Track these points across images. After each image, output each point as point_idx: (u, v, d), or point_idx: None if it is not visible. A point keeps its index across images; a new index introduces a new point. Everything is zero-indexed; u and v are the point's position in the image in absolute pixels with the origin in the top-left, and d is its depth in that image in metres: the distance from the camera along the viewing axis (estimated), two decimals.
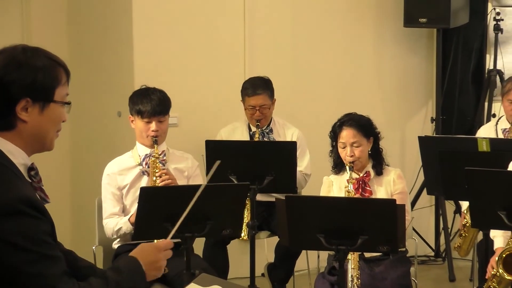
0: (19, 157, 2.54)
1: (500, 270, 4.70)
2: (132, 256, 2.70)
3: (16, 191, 2.44)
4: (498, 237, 4.93)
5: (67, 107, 2.63)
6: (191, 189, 4.84)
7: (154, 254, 2.73)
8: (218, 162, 3.06)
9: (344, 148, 5.04)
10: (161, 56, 6.48)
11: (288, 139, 6.05)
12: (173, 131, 5.48)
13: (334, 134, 5.11)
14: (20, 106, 2.51)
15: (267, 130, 6.08)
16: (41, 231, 2.44)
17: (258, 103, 5.99)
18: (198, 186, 5.00)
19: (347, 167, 5.01)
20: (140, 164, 5.16)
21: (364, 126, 5.06)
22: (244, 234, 5.38)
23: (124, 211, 5.14)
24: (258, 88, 6.01)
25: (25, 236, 2.40)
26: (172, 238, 4.83)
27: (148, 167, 5.10)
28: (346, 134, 5.03)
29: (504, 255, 4.71)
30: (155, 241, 4.06)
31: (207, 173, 5.48)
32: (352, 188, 4.95)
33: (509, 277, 4.67)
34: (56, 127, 2.62)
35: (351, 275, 4.69)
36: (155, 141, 5.10)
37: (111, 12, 6.64)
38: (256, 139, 5.99)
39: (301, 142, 5.84)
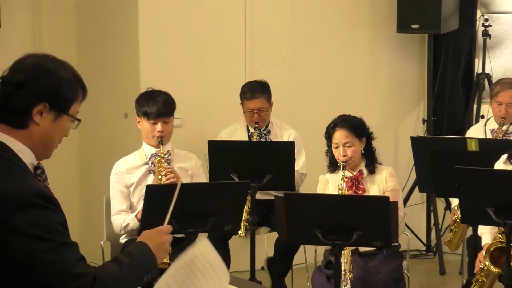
0: (27, 156, 2.54)
1: (487, 263, 4.70)
2: (140, 241, 2.70)
3: (28, 185, 2.45)
4: (485, 233, 4.93)
5: (76, 123, 2.64)
6: (194, 187, 4.87)
7: (159, 236, 2.74)
8: (179, 185, 3.08)
9: (337, 148, 5.03)
10: (165, 61, 6.47)
11: (285, 139, 6.04)
12: (177, 131, 5.48)
13: (328, 135, 5.10)
14: (37, 108, 2.52)
15: (265, 131, 6.06)
16: (54, 220, 2.44)
17: (256, 106, 5.97)
18: (201, 183, 5.07)
19: (341, 166, 5.00)
20: (147, 163, 5.15)
21: (356, 127, 5.05)
22: (241, 231, 5.37)
23: (131, 208, 5.14)
24: (256, 92, 6.00)
25: (40, 226, 2.40)
26: (176, 233, 4.88)
27: (154, 166, 5.10)
28: (339, 135, 5.03)
29: (491, 249, 4.71)
30: None
31: (209, 172, 5.48)
32: (345, 186, 4.94)
33: (495, 270, 4.67)
34: (60, 138, 2.63)
35: (344, 269, 4.68)
36: (161, 141, 5.10)
37: (117, 18, 6.63)
38: (255, 140, 5.99)
39: (298, 143, 5.83)
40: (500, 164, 4.97)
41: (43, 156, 2.61)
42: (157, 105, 5.09)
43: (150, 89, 5.24)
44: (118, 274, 2.53)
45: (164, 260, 4.67)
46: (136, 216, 5.00)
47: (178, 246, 4.90)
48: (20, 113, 2.52)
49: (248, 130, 6.08)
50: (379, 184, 5.05)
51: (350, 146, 5.01)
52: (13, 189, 2.42)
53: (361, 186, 5.02)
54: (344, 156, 4.99)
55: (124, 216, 5.08)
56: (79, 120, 2.64)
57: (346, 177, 4.97)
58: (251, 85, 6.08)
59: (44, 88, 2.53)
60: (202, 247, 2.67)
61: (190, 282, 2.60)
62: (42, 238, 2.40)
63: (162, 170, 5.03)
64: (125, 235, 5.13)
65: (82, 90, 2.64)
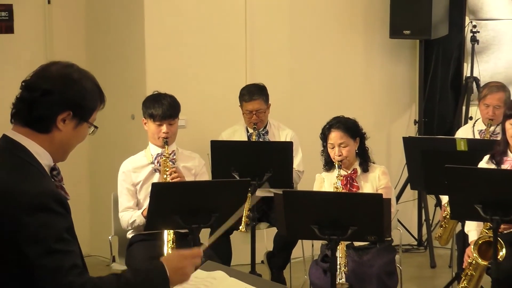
0: (44, 159, 2.54)
1: (475, 255, 4.71)
2: (159, 260, 2.61)
3: (44, 187, 2.45)
4: (472, 231, 4.94)
5: (93, 130, 2.65)
6: (197, 185, 4.88)
7: (179, 260, 2.62)
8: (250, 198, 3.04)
9: (332, 148, 5.03)
10: (170, 66, 6.48)
11: (282, 139, 6.05)
12: (181, 132, 5.48)
13: (324, 136, 5.10)
14: (61, 116, 2.53)
15: (263, 132, 6.07)
16: (62, 227, 2.43)
17: (255, 108, 5.98)
18: (204, 181, 5.06)
19: (336, 165, 5.01)
20: (152, 163, 5.15)
21: (350, 128, 5.05)
22: (242, 226, 5.38)
23: (138, 205, 5.13)
24: (254, 94, 6.00)
25: (48, 230, 2.39)
26: (180, 229, 4.87)
27: (160, 165, 5.10)
28: (334, 136, 5.03)
29: (480, 242, 4.72)
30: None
31: (212, 171, 5.49)
32: (340, 184, 4.95)
33: (483, 262, 4.67)
34: (77, 144, 2.64)
35: (339, 263, 4.69)
36: (166, 142, 5.10)
37: (125, 26, 6.64)
38: (254, 139, 6.00)
39: (295, 142, 5.83)
40: (483, 164, 4.99)
41: (60, 159, 2.61)
42: (163, 108, 5.09)
43: (156, 92, 5.24)
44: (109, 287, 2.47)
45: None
46: (142, 213, 5.01)
47: (183, 242, 4.94)
48: (45, 120, 2.52)
49: (247, 131, 6.08)
50: (373, 182, 5.06)
51: (345, 146, 5.01)
52: (28, 189, 2.42)
53: (355, 184, 5.03)
54: (340, 155, 4.99)
55: (131, 213, 5.09)
56: (96, 127, 2.65)
57: (341, 176, 4.97)
58: (249, 88, 6.09)
59: (70, 97, 2.53)
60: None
61: None
62: (44, 242, 2.39)
63: (167, 169, 5.03)
64: (131, 230, 5.13)
65: (101, 99, 2.65)
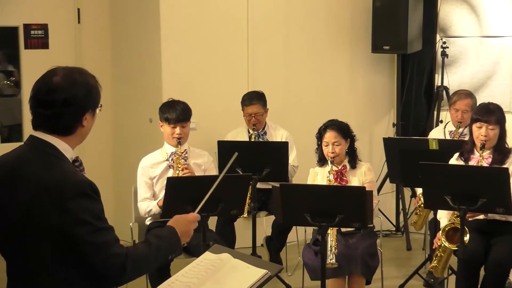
0: (69, 153, 2.53)
1: (443, 239, 4.70)
2: (170, 225, 2.68)
3: (80, 177, 2.46)
4: (443, 218, 4.93)
5: (100, 108, 2.61)
6: (206, 179, 4.86)
7: (186, 224, 2.72)
8: (236, 154, 3.06)
9: (327, 146, 5.02)
10: (183, 76, 6.46)
11: (279, 139, 6.05)
12: (193, 133, 5.47)
13: (320, 135, 5.10)
14: (85, 116, 2.52)
15: (262, 133, 6.07)
16: (99, 209, 2.45)
17: (254, 111, 5.98)
18: (212, 176, 5.05)
19: (329, 161, 5.00)
20: (167, 160, 5.14)
21: (343, 130, 5.05)
22: (245, 213, 5.38)
23: (154, 195, 5.13)
24: (253, 99, 6.01)
25: (89, 213, 2.41)
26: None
27: (173, 162, 5.10)
28: (329, 135, 5.02)
29: (447, 229, 4.71)
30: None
31: (219, 167, 5.48)
32: (332, 178, 4.95)
33: (450, 246, 4.67)
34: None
35: (330, 246, 4.68)
36: (179, 142, 5.09)
37: (144, 42, 6.62)
38: (253, 140, 5.99)
39: (289, 141, 5.84)
40: (453, 160, 4.99)
41: (78, 144, 2.59)
42: (176, 113, 5.08)
43: (170, 99, 5.24)
44: (147, 253, 2.53)
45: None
46: (158, 203, 5.00)
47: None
48: (73, 125, 2.51)
49: (249, 132, 6.08)
50: (359, 177, 5.05)
51: (338, 144, 5.00)
52: (66, 180, 2.41)
53: (344, 178, 5.02)
54: (333, 152, 4.99)
55: (148, 203, 5.08)
56: (101, 105, 2.62)
57: (333, 171, 4.97)
58: (249, 94, 6.10)
59: (86, 99, 2.52)
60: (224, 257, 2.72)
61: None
62: (89, 223, 2.41)
63: (180, 166, 5.03)
64: (149, 218, 5.13)
65: (100, 86, 2.61)
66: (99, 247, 2.41)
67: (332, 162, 4.98)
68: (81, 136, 2.56)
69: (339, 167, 5.03)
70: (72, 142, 2.53)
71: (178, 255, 2.69)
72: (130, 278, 2.49)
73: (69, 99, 2.47)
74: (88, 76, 2.56)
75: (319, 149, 5.11)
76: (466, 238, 4.52)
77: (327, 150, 5.01)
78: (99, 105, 2.59)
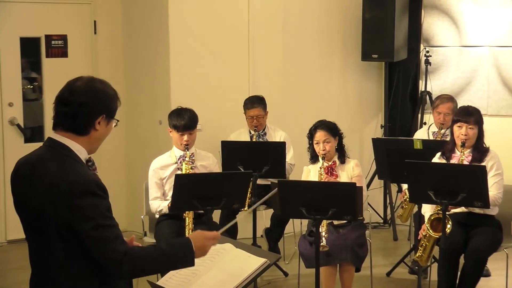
0: (82, 154, 2.53)
1: (427, 226, 4.69)
2: (188, 237, 2.61)
3: (89, 176, 2.45)
4: (427, 212, 4.92)
5: (116, 123, 2.61)
6: (211, 176, 4.85)
7: (202, 240, 2.59)
8: (275, 191, 3.00)
9: (317, 144, 5.01)
10: (189, 83, 6.46)
11: (277, 139, 6.04)
12: (198, 134, 5.44)
13: (311, 135, 5.08)
14: (98, 119, 2.52)
15: (262, 133, 6.06)
16: (105, 207, 2.44)
17: (255, 114, 5.97)
18: (216, 173, 5.03)
19: (320, 158, 4.99)
20: (176, 163, 5.10)
21: (332, 129, 5.04)
22: (246, 207, 5.37)
23: (164, 194, 5.10)
24: (254, 103, 6.00)
25: (94, 210, 2.40)
26: (197, 210, 4.85)
27: (182, 164, 5.06)
28: (319, 134, 5.01)
29: (432, 218, 4.70)
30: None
31: (222, 165, 5.46)
32: (323, 172, 4.94)
33: (434, 234, 4.66)
34: (106, 137, 2.61)
35: (321, 232, 4.68)
36: (186, 147, 5.05)
37: (154, 52, 6.62)
38: (254, 140, 5.98)
39: (287, 142, 5.83)
40: (436, 159, 4.98)
41: (94, 151, 2.59)
42: (184, 121, 5.03)
43: (179, 107, 5.18)
44: (148, 256, 2.47)
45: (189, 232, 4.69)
46: (168, 205, 4.95)
47: (199, 220, 4.93)
48: (87, 125, 2.51)
49: (250, 133, 6.07)
50: (348, 172, 5.04)
51: (328, 142, 4.99)
52: (76, 179, 2.42)
53: (334, 173, 5.00)
54: (324, 150, 4.98)
55: (159, 202, 5.05)
56: (118, 120, 2.63)
57: (324, 166, 4.96)
58: (251, 98, 6.09)
59: (101, 104, 2.52)
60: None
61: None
62: (93, 219, 2.40)
63: (187, 170, 4.98)
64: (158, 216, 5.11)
65: (118, 99, 2.62)
66: (98, 241, 2.39)
67: (323, 158, 4.97)
68: (95, 140, 2.55)
69: (330, 163, 5.02)
70: (85, 143, 2.53)
71: (189, 266, 2.55)
72: (128, 275, 2.45)
73: (85, 102, 2.49)
74: (108, 87, 2.58)
75: (311, 147, 5.10)
76: (448, 226, 4.51)
77: (318, 148, 5.00)
78: (116, 119, 2.59)
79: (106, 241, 2.39)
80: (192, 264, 2.54)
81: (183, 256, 2.54)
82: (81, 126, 2.51)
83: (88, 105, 2.49)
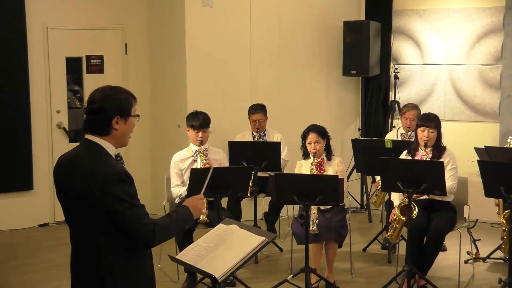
0: (111, 150, 2.50)
1: (397, 213, 4.68)
2: (184, 204, 2.65)
3: (119, 168, 2.44)
4: (395, 199, 4.92)
5: (137, 118, 2.57)
6: (220, 169, 4.84)
7: (194, 201, 2.66)
8: (212, 169, 3.01)
9: (309, 144, 4.99)
10: (203, 91, 6.45)
11: (275, 139, 6.03)
12: (211, 136, 5.43)
13: (304, 136, 5.07)
14: (114, 120, 2.48)
15: (263, 135, 6.05)
16: (133, 191, 2.43)
17: (258, 118, 5.96)
18: (224, 167, 5.01)
19: (311, 155, 4.97)
20: (193, 156, 5.11)
21: (321, 132, 5.02)
22: (248, 195, 5.35)
23: (183, 183, 5.09)
24: (257, 109, 6.00)
25: (126, 194, 2.39)
26: (209, 197, 4.83)
27: (197, 157, 5.06)
28: (311, 136, 4.99)
29: (401, 205, 4.69)
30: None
31: (229, 160, 5.44)
32: (314, 167, 4.92)
33: (403, 218, 4.65)
34: (131, 132, 2.56)
35: (313, 219, 4.66)
36: (201, 143, 5.06)
37: (174, 67, 6.61)
38: (256, 140, 5.97)
39: (282, 142, 5.82)
40: (403, 156, 4.97)
41: (123, 145, 2.55)
42: (199, 121, 5.05)
43: (194, 110, 5.20)
44: (169, 223, 2.52)
45: (203, 217, 4.68)
46: (186, 189, 4.95)
47: (211, 205, 4.91)
48: (105, 127, 2.48)
49: (253, 134, 6.06)
50: (333, 167, 5.02)
51: (318, 143, 4.97)
52: (109, 170, 2.41)
53: (323, 168, 4.98)
54: (314, 149, 4.96)
55: (179, 188, 5.04)
56: (138, 115, 2.58)
57: (314, 162, 4.94)
58: (254, 105, 6.09)
59: (113, 107, 2.47)
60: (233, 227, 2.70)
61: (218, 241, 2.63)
62: (127, 201, 2.39)
63: (203, 161, 5.00)
64: (178, 199, 5.09)
65: (134, 98, 2.56)
66: (134, 218, 2.40)
67: (314, 156, 4.96)
68: (119, 136, 2.50)
69: (319, 160, 5.00)
70: (112, 141, 2.49)
71: (192, 224, 2.66)
72: (159, 241, 2.46)
73: (100, 109, 2.46)
74: (118, 91, 2.52)
75: (303, 146, 5.08)
76: (414, 213, 4.50)
77: (310, 147, 4.98)
78: (136, 115, 2.54)
79: (140, 217, 2.40)
80: (192, 219, 2.63)
81: (186, 217, 2.59)
82: (101, 129, 2.48)
83: (101, 111, 2.46)
